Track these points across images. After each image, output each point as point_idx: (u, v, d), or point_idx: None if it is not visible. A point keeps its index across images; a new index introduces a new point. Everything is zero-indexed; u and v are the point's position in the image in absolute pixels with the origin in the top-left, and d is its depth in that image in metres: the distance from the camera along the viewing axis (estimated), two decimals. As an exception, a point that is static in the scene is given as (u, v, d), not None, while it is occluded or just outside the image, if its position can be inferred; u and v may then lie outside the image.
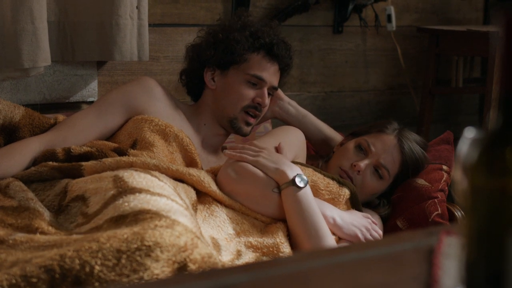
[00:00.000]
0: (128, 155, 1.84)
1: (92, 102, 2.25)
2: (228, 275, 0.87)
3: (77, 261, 1.25)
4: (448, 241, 0.95)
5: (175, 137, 1.93)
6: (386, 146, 2.01)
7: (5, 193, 1.66)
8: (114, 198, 1.50)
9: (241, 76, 2.02)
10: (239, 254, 1.66)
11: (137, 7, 2.19)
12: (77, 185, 1.64)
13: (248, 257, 1.66)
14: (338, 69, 2.93)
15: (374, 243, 1.28)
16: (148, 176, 1.59)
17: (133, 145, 1.91)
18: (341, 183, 1.91)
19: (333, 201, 1.89)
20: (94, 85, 2.30)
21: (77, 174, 1.73)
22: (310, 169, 1.91)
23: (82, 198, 1.59)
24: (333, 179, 1.91)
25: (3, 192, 1.67)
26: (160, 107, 2.00)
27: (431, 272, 0.86)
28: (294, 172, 1.77)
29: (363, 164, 1.97)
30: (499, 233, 0.71)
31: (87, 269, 1.24)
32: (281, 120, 2.25)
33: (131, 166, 1.72)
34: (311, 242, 1.73)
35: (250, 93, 2.03)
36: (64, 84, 2.24)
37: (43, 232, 1.47)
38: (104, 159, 1.75)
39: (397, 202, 2.07)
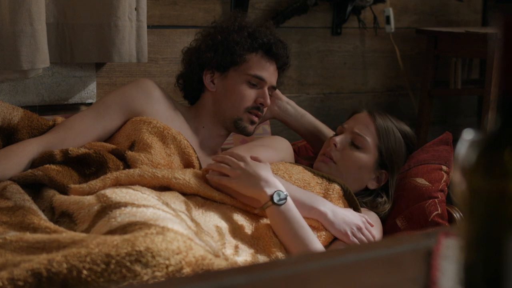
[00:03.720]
0: (126, 157, 1.84)
1: (90, 103, 2.25)
2: (226, 277, 0.87)
3: (64, 265, 1.24)
4: (446, 243, 0.95)
5: (173, 139, 1.92)
6: (358, 119, 2.06)
7: (2, 195, 1.67)
8: (99, 214, 1.50)
9: (241, 77, 2.03)
10: (236, 250, 1.67)
11: (135, 9, 2.19)
12: (59, 201, 1.64)
13: (245, 254, 1.67)
14: (337, 70, 2.93)
15: (372, 245, 1.27)
16: (131, 191, 1.60)
17: (131, 147, 1.91)
18: (330, 180, 1.92)
19: (324, 197, 1.89)
20: (92, 87, 2.30)
21: (63, 192, 1.72)
22: (301, 167, 1.93)
23: (67, 215, 1.59)
24: (322, 176, 1.93)
25: (0, 194, 1.68)
26: (158, 109, 2.00)
27: (430, 274, 0.86)
28: (272, 189, 1.74)
29: (338, 138, 2.02)
30: (498, 235, 0.71)
31: (74, 273, 1.23)
32: (280, 120, 2.25)
33: (116, 181, 1.72)
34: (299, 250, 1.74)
35: (252, 93, 2.03)
36: (62, 86, 2.24)
37: (35, 228, 1.47)
38: (89, 182, 1.73)
39: (396, 200, 2.07)
